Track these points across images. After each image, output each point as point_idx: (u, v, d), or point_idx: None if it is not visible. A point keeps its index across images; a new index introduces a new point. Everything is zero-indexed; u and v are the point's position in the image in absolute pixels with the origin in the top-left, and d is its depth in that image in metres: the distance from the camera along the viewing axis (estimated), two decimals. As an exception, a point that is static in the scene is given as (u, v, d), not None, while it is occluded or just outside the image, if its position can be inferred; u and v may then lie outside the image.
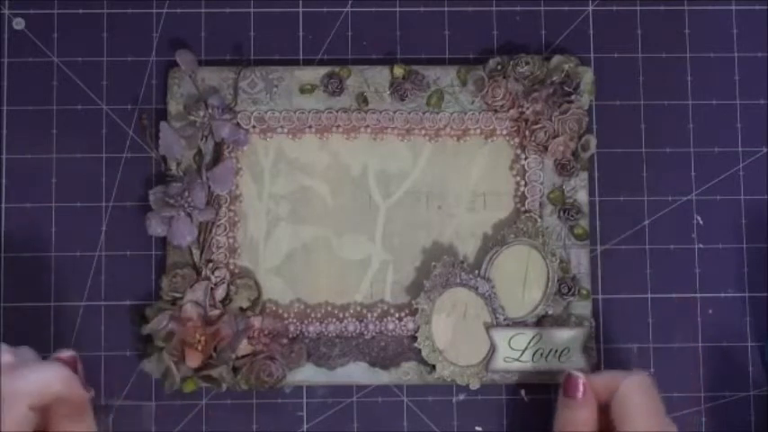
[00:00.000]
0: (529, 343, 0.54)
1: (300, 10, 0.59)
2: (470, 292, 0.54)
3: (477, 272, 0.55)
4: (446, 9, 0.59)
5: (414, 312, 0.55)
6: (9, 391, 0.35)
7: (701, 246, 0.58)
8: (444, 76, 0.57)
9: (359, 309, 0.56)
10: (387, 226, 0.57)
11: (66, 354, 0.41)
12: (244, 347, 0.54)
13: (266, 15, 0.59)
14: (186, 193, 0.54)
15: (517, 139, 0.57)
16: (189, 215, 0.54)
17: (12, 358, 0.37)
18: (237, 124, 0.56)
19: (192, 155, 0.55)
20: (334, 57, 0.58)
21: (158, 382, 0.55)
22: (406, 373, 0.55)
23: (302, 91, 0.56)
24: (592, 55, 0.59)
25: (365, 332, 0.55)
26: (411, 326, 0.55)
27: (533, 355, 0.54)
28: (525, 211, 0.56)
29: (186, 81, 0.56)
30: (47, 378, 0.36)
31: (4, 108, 0.57)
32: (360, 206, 0.57)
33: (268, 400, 0.56)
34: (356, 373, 0.55)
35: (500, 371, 0.54)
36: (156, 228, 0.54)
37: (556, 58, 0.56)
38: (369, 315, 0.56)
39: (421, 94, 0.56)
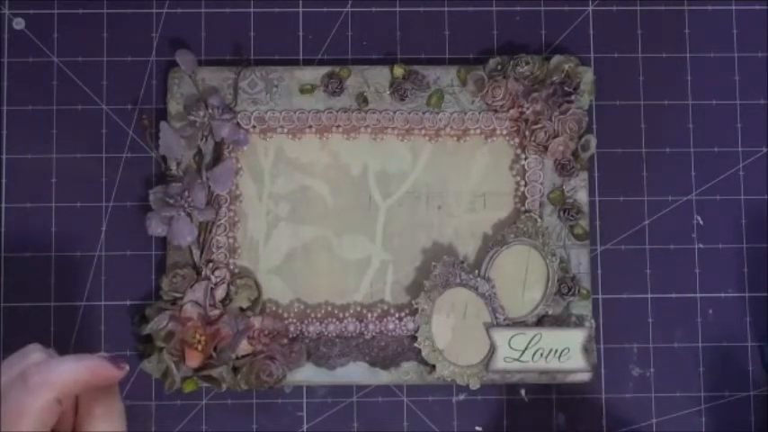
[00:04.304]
0: (529, 343, 0.54)
1: (300, 10, 0.59)
2: (470, 292, 0.54)
3: (477, 272, 0.55)
4: (446, 9, 0.59)
5: (414, 312, 0.55)
6: (38, 381, 0.35)
7: (700, 246, 0.58)
8: (444, 76, 0.57)
9: (359, 309, 0.56)
10: (387, 226, 0.57)
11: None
12: (244, 347, 0.54)
13: (266, 15, 0.59)
14: (186, 193, 0.54)
15: (517, 139, 0.57)
16: (189, 215, 0.54)
17: (43, 356, 0.38)
18: (237, 124, 0.56)
19: (191, 155, 0.55)
20: (334, 57, 0.58)
21: (158, 382, 0.55)
22: (406, 373, 0.55)
23: (302, 91, 0.56)
24: (592, 55, 0.59)
25: (365, 332, 0.55)
26: (411, 326, 0.55)
27: (533, 355, 0.54)
28: (525, 211, 0.56)
29: (186, 81, 0.56)
30: (75, 370, 0.36)
31: (4, 108, 0.57)
32: (360, 206, 0.57)
33: (268, 400, 0.56)
34: (356, 373, 0.55)
35: (500, 371, 0.54)
36: (156, 228, 0.54)
37: (556, 58, 0.56)
38: (369, 315, 0.56)
39: (421, 94, 0.56)
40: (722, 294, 0.58)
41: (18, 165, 0.57)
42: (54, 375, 0.36)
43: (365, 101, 0.56)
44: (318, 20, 0.59)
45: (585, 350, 0.54)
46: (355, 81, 0.56)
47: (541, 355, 0.54)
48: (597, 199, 0.58)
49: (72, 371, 0.36)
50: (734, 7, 0.59)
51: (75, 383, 0.36)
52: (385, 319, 0.55)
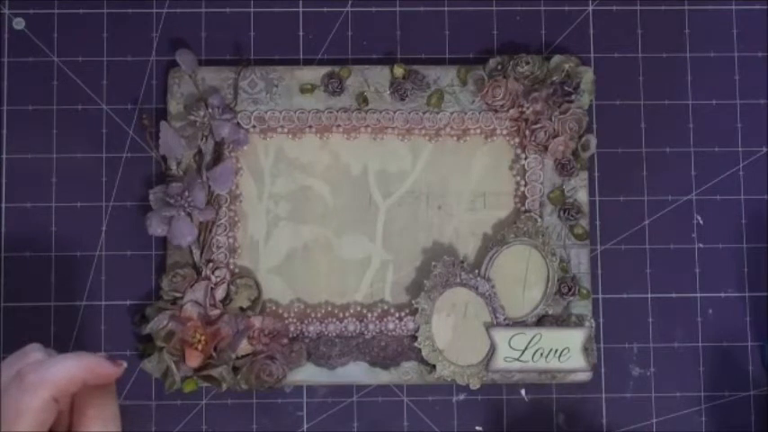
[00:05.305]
0: (529, 343, 0.54)
1: (300, 10, 0.59)
2: (470, 291, 0.54)
3: (477, 272, 0.55)
4: (446, 9, 0.59)
5: (414, 312, 0.55)
6: (35, 379, 0.35)
7: (700, 246, 0.58)
8: (444, 76, 0.57)
9: (359, 309, 0.56)
10: (387, 226, 0.57)
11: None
12: (244, 347, 0.54)
13: (266, 15, 0.59)
14: (186, 193, 0.54)
15: (517, 139, 0.57)
16: (189, 215, 0.54)
17: (42, 355, 0.38)
18: (237, 124, 0.56)
19: (191, 155, 0.55)
20: (334, 57, 0.58)
21: (158, 382, 0.55)
22: (406, 373, 0.55)
23: (302, 91, 0.56)
24: (592, 55, 0.59)
25: (365, 332, 0.55)
26: (411, 326, 0.55)
27: (533, 354, 0.54)
28: (525, 211, 0.56)
29: (186, 81, 0.56)
30: (72, 368, 0.36)
31: (4, 108, 0.57)
32: (360, 206, 0.57)
33: (268, 400, 0.56)
34: (356, 373, 0.55)
35: (500, 371, 0.54)
36: (156, 228, 0.54)
37: (556, 58, 0.56)
38: (369, 315, 0.56)
39: (421, 94, 0.56)
40: (722, 294, 0.58)
41: (18, 165, 0.57)
42: (50, 374, 0.36)
43: (365, 101, 0.56)
44: (318, 20, 0.59)
45: (585, 350, 0.54)
46: (355, 81, 0.56)
47: (541, 354, 0.54)
48: (597, 199, 0.58)
49: (68, 369, 0.36)
50: (734, 7, 0.60)
51: (72, 382, 0.36)
52: (385, 319, 0.55)
